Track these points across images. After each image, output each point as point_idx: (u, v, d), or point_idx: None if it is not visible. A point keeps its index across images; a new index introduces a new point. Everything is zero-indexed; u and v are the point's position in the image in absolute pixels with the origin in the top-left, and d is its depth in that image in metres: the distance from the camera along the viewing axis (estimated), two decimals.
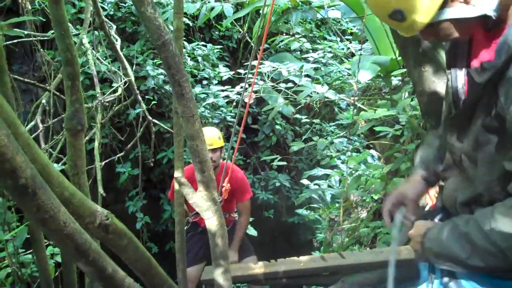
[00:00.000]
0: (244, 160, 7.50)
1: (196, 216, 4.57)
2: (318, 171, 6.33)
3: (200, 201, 2.52)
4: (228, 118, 6.76)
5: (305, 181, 6.43)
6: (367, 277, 3.48)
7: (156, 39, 2.21)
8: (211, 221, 2.57)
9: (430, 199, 2.46)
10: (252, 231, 6.46)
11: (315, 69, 6.49)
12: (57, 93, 5.34)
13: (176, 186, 2.93)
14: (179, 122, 2.75)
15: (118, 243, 2.38)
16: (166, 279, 2.71)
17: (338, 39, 7.00)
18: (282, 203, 7.53)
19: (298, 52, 6.92)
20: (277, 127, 7.19)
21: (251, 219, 6.36)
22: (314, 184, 6.38)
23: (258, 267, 3.51)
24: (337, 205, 6.15)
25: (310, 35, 7.20)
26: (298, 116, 6.41)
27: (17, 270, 3.66)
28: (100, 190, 4.99)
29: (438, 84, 3.21)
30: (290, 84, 6.10)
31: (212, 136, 4.43)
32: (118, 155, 5.92)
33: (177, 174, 2.66)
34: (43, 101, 5.15)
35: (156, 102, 6.70)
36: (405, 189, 1.94)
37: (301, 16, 5.75)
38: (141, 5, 2.19)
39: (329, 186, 6.33)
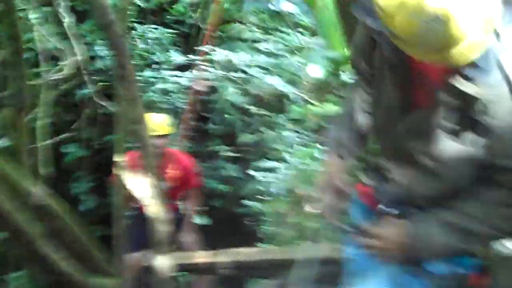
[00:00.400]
0: (194, 148, 7.42)
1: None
2: (266, 163, 6.33)
3: (140, 186, 2.49)
4: (178, 104, 6.67)
5: (252, 172, 6.42)
6: (310, 272, 3.51)
7: (100, 19, 2.16)
8: (152, 206, 2.54)
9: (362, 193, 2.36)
10: (204, 220, 6.43)
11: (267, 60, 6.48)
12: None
13: (116, 170, 2.87)
14: (122, 106, 2.70)
15: (53, 224, 2.32)
16: (102, 263, 2.66)
17: (292, 31, 6.98)
18: (231, 193, 7.49)
19: (251, 42, 6.88)
20: (228, 116, 7.15)
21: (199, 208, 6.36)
22: (262, 176, 6.37)
23: (202, 257, 3.50)
24: (283, 198, 6.16)
25: (264, 25, 7.15)
26: (248, 106, 6.40)
27: None
28: (42, 170, 4.86)
29: None
30: (241, 74, 6.07)
31: (159, 122, 4.35)
32: (62, 136, 5.78)
33: (117, 158, 2.61)
34: None
35: (107, 83, 6.53)
36: (334, 175, 1.83)
37: (254, 5, 5.71)
38: None
39: (277, 179, 6.33)
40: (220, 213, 7.34)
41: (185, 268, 3.47)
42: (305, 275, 3.50)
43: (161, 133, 4.28)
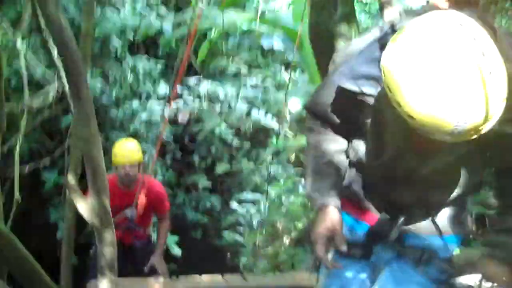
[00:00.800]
0: (177, 178, 7.44)
1: None
2: (247, 195, 6.35)
3: (89, 208, 2.49)
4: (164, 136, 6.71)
5: (234, 204, 6.44)
6: None
7: (56, 38, 2.19)
8: (100, 230, 2.53)
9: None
10: (176, 251, 6.41)
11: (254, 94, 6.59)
12: None
13: (69, 192, 2.88)
14: (75, 125, 2.72)
15: None
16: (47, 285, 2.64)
17: (283, 68, 7.09)
18: (212, 224, 7.48)
19: (237, 76, 6.99)
20: (213, 148, 7.19)
21: (177, 238, 6.34)
22: (242, 208, 6.39)
23: (156, 284, 3.48)
24: (262, 230, 6.16)
25: (251, 60, 7.26)
26: (230, 138, 6.47)
27: None
28: (17, 195, 4.88)
29: None
30: (225, 106, 6.15)
31: (131, 149, 4.38)
32: (42, 162, 5.80)
33: (69, 177, 2.62)
34: None
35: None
36: (333, 225, 1.88)
37: (240, 41, 5.85)
38: (43, 3, 2.17)
39: (257, 211, 6.35)
40: (199, 244, 7.33)
41: None
42: None
43: (132, 160, 4.32)
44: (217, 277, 3.59)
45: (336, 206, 1.92)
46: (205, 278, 3.53)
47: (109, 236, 2.53)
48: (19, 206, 5.13)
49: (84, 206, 2.48)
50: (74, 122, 2.73)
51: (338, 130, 1.94)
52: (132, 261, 4.59)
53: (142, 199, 4.45)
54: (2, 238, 2.40)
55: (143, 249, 4.69)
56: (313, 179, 2.00)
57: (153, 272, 4.49)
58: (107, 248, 2.53)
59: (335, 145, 1.96)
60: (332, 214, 1.90)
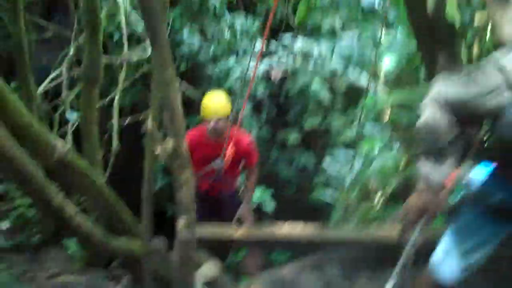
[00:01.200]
0: (272, 135, 7.49)
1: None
2: (339, 154, 6.30)
3: (167, 151, 2.56)
4: (257, 93, 6.77)
5: (325, 162, 6.41)
6: (347, 253, 3.50)
7: None
8: (177, 172, 2.60)
9: None
10: (269, 205, 6.49)
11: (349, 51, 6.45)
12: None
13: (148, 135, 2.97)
14: (155, 70, 2.78)
15: (78, 182, 2.45)
16: (131, 228, 2.75)
17: (376, 25, 6.88)
18: (304, 181, 7.50)
19: (332, 33, 6.87)
20: (307, 105, 7.16)
21: (270, 193, 6.41)
22: (334, 166, 6.34)
23: (235, 231, 3.54)
24: (354, 189, 6.10)
25: (347, 17, 7.09)
26: (324, 95, 6.42)
27: None
28: (114, 146, 5.13)
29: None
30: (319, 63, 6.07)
31: (219, 102, 4.45)
32: (141, 116, 6.02)
33: (149, 121, 2.71)
34: (71, 52, 5.34)
35: (188, 68, 6.76)
36: (426, 205, 2.08)
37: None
38: None
39: (349, 169, 6.28)
40: (292, 201, 7.37)
41: (215, 240, 3.50)
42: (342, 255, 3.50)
43: (221, 113, 4.39)
44: (296, 227, 3.59)
45: (438, 188, 2.08)
46: (285, 228, 3.55)
47: (186, 178, 2.60)
48: (119, 159, 5.43)
49: (162, 149, 2.56)
50: (153, 67, 2.81)
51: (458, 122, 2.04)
52: (219, 213, 4.71)
53: (230, 151, 4.52)
54: (89, 180, 2.53)
55: (230, 201, 4.79)
56: (425, 157, 2.11)
57: (240, 224, 4.59)
58: (185, 191, 2.60)
59: (453, 130, 2.04)
60: (430, 194, 2.07)
